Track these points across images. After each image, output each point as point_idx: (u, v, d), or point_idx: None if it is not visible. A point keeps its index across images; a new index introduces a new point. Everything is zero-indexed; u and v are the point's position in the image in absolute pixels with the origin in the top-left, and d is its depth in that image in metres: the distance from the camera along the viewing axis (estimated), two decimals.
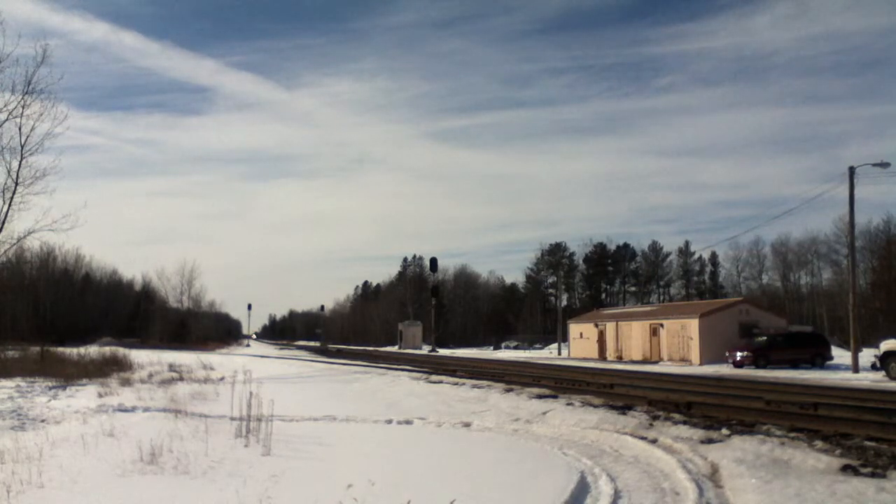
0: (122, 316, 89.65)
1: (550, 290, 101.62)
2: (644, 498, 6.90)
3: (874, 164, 29.81)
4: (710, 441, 9.59)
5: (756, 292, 78.12)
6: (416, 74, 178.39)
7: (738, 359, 33.26)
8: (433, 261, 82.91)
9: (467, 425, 12.18)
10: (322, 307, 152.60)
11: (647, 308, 57.48)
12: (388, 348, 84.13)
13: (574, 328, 54.63)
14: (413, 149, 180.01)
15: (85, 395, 17.05)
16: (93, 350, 37.17)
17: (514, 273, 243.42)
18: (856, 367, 29.11)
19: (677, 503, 6.74)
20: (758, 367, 32.05)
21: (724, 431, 10.16)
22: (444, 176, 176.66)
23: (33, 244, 37.41)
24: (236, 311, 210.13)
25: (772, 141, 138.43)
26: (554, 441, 10.40)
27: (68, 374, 22.94)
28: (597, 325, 50.79)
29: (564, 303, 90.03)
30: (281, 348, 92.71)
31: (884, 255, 61.84)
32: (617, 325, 48.48)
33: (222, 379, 21.93)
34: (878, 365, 25.50)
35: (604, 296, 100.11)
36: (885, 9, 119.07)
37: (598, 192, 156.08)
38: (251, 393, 10.98)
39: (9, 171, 20.46)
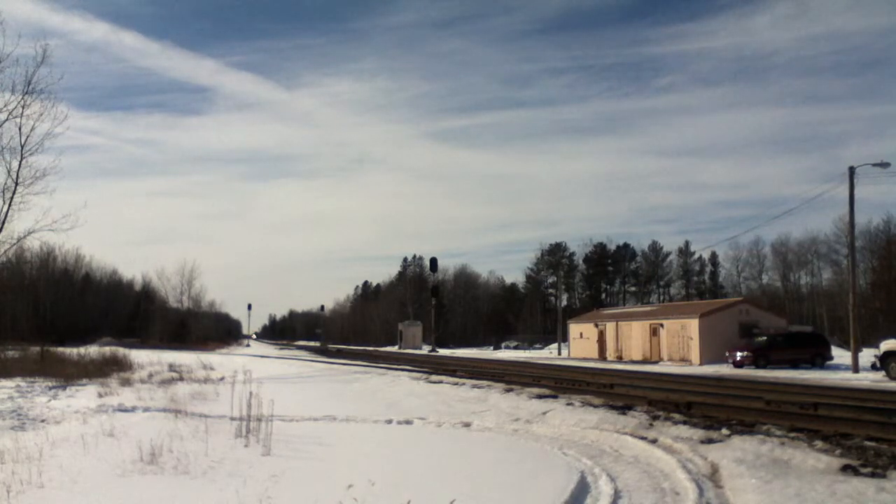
0: (122, 316, 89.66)
1: (550, 290, 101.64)
2: (644, 498, 6.90)
3: (874, 164, 29.82)
4: (710, 441, 9.59)
5: (756, 292, 78.13)
6: (416, 74, 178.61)
7: (738, 359, 33.25)
8: (433, 261, 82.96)
9: (467, 425, 12.18)
10: (322, 307, 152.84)
11: (647, 308, 57.47)
12: (388, 348, 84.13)
13: (574, 328, 54.63)
14: (413, 149, 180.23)
15: (85, 395, 17.05)
16: (93, 350, 37.17)
17: (514, 273, 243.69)
18: (856, 367, 29.11)
19: (677, 503, 6.74)
20: (758, 367, 32.05)
21: (724, 431, 10.16)
22: (444, 176, 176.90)
23: (33, 244, 37.43)
24: (236, 311, 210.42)
25: (772, 141, 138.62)
26: (554, 441, 10.40)
27: (68, 374, 22.94)
28: (597, 325, 50.79)
29: (564, 303, 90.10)
30: (281, 348, 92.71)
31: (884, 255, 61.84)
32: (617, 325, 48.48)
33: (222, 379, 21.93)
34: (878, 365, 25.50)
35: (604, 296, 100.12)
36: (885, 9, 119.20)
37: (598, 192, 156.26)
38: (251, 393, 10.98)
39: (9, 171, 20.47)
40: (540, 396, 15.51)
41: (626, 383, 18.97)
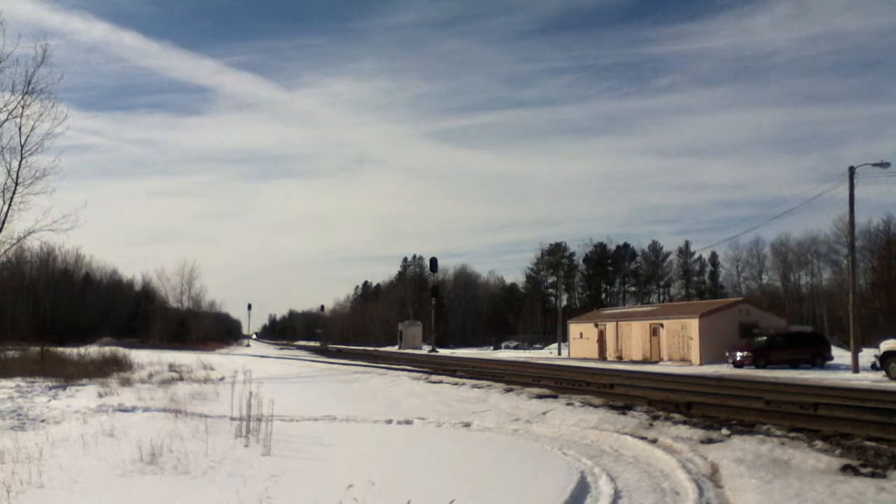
0: (122, 316, 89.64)
1: (550, 290, 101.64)
2: (644, 498, 6.90)
3: (874, 164, 29.83)
4: (710, 441, 9.59)
5: (756, 292, 78.13)
6: (416, 74, 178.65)
7: (738, 359, 33.25)
8: (433, 261, 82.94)
9: (467, 425, 12.18)
10: (322, 307, 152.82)
11: (647, 308, 57.48)
12: (388, 348, 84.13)
13: (574, 328, 54.63)
14: (413, 149, 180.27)
15: (85, 395, 17.05)
16: (93, 350, 37.17)
17: (514, 273, 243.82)
18: (856, 367, 29.11)
19: (677, 503, 6.74)
20: (758, 367, 32.05)
21: (724, 431, 10.16)
22: (444, 176, 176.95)
23: (33, 244, 37.38)
24: (236, 311, 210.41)
25: (772, 141, 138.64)
26: (554, 441, 10.40)
27: (68, 374, 22.93)
28: (597, 325, 50.79)
29: (564, 303, 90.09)
30: (281, 348, 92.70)
31: (884, 255, 61.85)
32: (617, 325, 48.48)
33: (222, 379, 21.93)
34: (878, 365, 25.50)
35: (604, 296, 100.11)
36: (885, 9, 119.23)
37: (598, 192, 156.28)
38: (251, 393, 10.98)
39: (9, 171, 20.47)
40: (540, 396, 15.51)
41: (626, 383, 18.97)
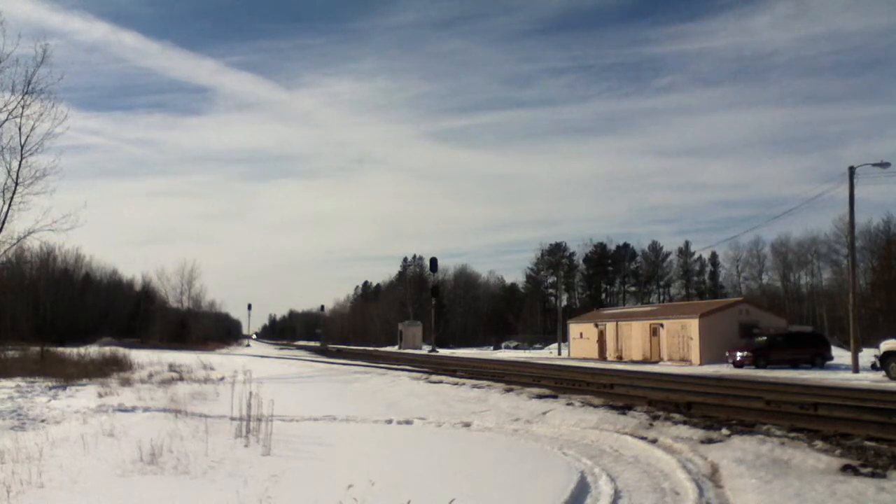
0: (122, 316, 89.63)
1: (550, 290, 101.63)
2: (644, 498, 6.90)
3: (874, 164, 29.83)
4: (710, 441, 9.59)
5: (756, 292, 78.13)
6: (416, 74, 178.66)
7: (738, 359, 33.25)
8: (433, 261, 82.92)
9: (467, 425, 12.18)
10: (322, 307, 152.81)
11: (647, 308, 57.48)
12: (388, 348, 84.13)
13: (574, 328, 54.63)
14: (413, 149, 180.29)
15: (85, 395, 17.05)
16: (93, 350, 37.17)
17: (514, 273, 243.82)
18: (856, 367, 29.11)
19: (677, 503, 6.74)
20: (758, 367, 32.05)
21: (724, 431, 10.16)
22: (444, 176, 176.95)
23: (33, 244, 37.41)
24: (236, 311, 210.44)
25: (772, 141, 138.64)
26: (554, 441, 10.40)
27: (68, 374, 22.93)
28: (597, 325, 50.80)
29: (564, 303, 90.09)
30: (281, 348, 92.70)
31: (884, 255, 61.85)
32: (617, 325, 48.48)
33: (222, 379, 21.93)
34: (878, 365, 25.50)
35: (604, 296, 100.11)
36: (885, 9, 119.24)
37: (598, 192, 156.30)
38: (251, 393, 10.98)
39: (9, 171, 20.48)
40: (540, 396, 15.51)
41: (626, 383, 18.96)
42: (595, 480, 7.54)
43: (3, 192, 20.51)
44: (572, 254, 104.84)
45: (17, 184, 20.43)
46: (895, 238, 61.92)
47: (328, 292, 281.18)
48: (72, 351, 36.13)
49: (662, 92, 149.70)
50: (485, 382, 19.78)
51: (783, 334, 35.86)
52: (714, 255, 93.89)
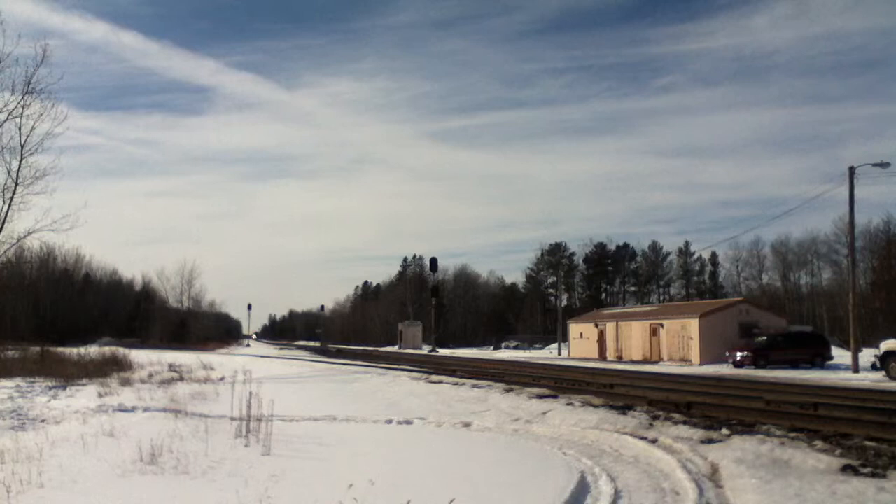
0: (122, 316, 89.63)
1: (550, 290, 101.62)
2: (644, 498, 6.90)
3: (874, 164, 29.85)
4: (710, 441, 9.59)
5: (756, 292, 78.11)
6: (416, 74, 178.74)
7: (738, 359, 33.26)
8: (433, 261, 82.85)
9: (467, 425, 12.18)
10: (322, 307, 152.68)
11: (647, 308, 57.48)
12: (388, 348, 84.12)
13: (574, 328, 54.63)
14: (413, 149, 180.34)
15: (85, 395, 17.04)
16: (93, 350, 37.15)
17: (514, 273, 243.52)
18: (856, 367, 29.11)
19: (677, 503, 6.74)
20: (758, 367, 32.05)
21: (724, 431, 10.16)
22: (444, 176, 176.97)
23: (33, 244, 37.48)
24: (236, 311, 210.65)
25: (772, 141, 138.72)
26: (554, 441, 10.40)
27: (68, 374, 22.92)
28: (597, 325, 50.80)
29: (564, 303, 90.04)
30: (281, 348, 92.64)
31: (884, 255, 61.84)
32: (617, 325, 48.48)
33: (222, 379, 21.93)
34: (878, 365, 25.51)
35: (604, 296, 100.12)
36: (885, 9, 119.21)
37: (598, 192, 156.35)
38: (251, 393, 10.98)
39: (9, 171, 20.56)
40: (540, 396, 15.51)
41: (626, 383, 18.96)
42: (595, 480, 7.54)
43: (3, 192, 20.60)
44: (572, 254, 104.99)
45: (17, 184, 20.52)
46: (895, 238, 61.91)
47: (328, 292, 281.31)
48: (72, 351, 36.11)
49: (662, 92, 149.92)
50: (485, 382, 19.78)
51: (783, 334, 35.86)
52: (714, 255, 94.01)
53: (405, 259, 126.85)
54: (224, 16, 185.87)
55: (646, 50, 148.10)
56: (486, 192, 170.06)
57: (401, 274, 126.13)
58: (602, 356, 48.28)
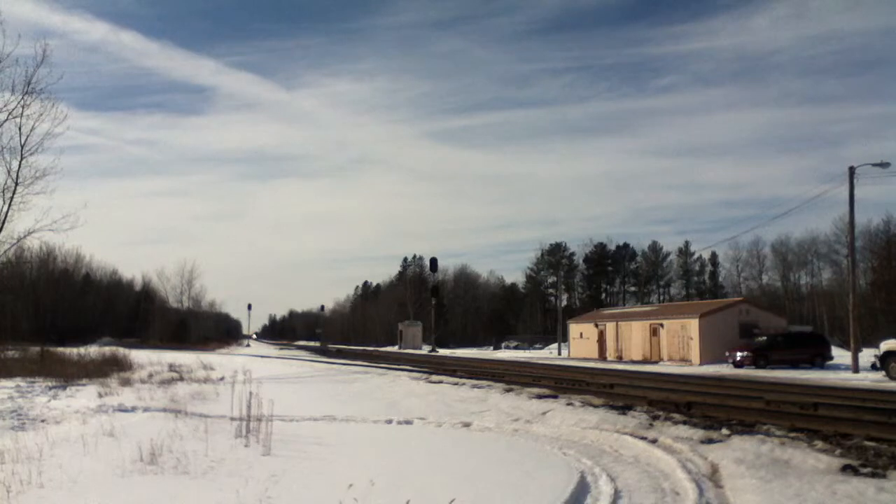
0: (122, 316, 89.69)
1: (550, 290, 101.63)
2: (644, 498, 6.90)
3: (874, 164, 29.86)
4: (710, 441, 9.59)
5: (756, 292, 78.14)
6: (416, 74, 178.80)
7: (738, 359, 33.26)
8: (433, 261, 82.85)
9: (467, 425, 12.18)
10: (322, 307, 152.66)
11: (647, 308, 57.48)
12: (388, 348, 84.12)
13: (574, 328, 54.63)
14: (413, 149, 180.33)
15: (85, 395, 17.03)
16: (93, 350, 37.17)
17: (514, 273, 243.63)
18: (856, 367, 29.11)
19: (677, 503, 6.74)
20: (758, 367, 32.06)
21: (724, 431, 10.16)
22: (444, 176, 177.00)
23: (33, 244, 37.61)
24: (236, 311, 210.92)
25: (772, 141, 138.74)
26: (554, 441, 10.39)
27: (68, 374, 22.91)
28: (597, 325, 50.80)
29: (564, 303, 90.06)
30: (281, 348, 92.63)
31: (884, 255, 61.85)
32: (617, 325, 48.48)
33: (222, 379, 21.93)
34: (878, 365, 25.51)
35: (604, 296, 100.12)
36: (885, 9, 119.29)
37: (598, 192, 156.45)
38: (251, 393, 10.98)
39: (9, 171, 20.55)
40: (540, 396, 15.51)
41: (626, 383, 18.96)
42: (595, 480, 7.54)
43: (3, 192, 20.59)
44: (572, 254, 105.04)
45: (17, 184, 20.51)
46: (895, 238, 61.91)
47: (328, 292, 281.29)
48: (72, 351, 36.12)
49: (662, 92, 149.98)
50: (485, 382, 19.79)
51: (783, 334, 35.89)
52: (714, 255, 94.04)
53: (405, 259, 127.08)
54: (224, 16, 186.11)
55: (646, 50, 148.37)
56: (486, 192, 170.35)
57: (401, 274, 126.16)
58: (602, 356, 48.28)
